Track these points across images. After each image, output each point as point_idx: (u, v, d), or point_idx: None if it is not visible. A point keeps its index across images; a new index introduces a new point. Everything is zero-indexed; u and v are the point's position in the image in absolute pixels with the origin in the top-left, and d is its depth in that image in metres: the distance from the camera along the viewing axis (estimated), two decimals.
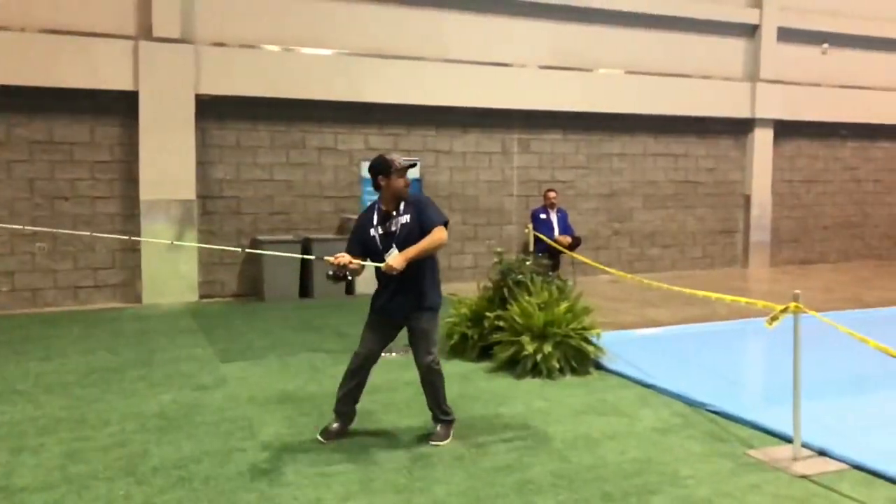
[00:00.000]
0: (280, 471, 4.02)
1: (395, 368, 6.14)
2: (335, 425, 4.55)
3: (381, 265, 4.27)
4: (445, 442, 4.47)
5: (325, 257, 4.37)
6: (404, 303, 4.44)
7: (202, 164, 9.49)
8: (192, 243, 9.02)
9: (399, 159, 4.39)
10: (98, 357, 6.46)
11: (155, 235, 8.79)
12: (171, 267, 9.17)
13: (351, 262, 4.27)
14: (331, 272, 4.33)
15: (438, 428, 4.56)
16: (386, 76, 10.08)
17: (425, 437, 4.54)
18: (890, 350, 4.04)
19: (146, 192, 9.06)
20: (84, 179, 9.04)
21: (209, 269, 9.60)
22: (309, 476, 3.97)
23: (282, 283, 9.33)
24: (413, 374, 5.88)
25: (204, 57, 9.24)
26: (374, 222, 4.43)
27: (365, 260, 4.39)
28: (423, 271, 4.43)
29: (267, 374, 5.97)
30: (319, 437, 4.49)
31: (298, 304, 9.12)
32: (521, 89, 10.91)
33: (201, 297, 9.42)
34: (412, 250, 4.26)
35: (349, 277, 4.37)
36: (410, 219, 4.36)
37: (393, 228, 4.36)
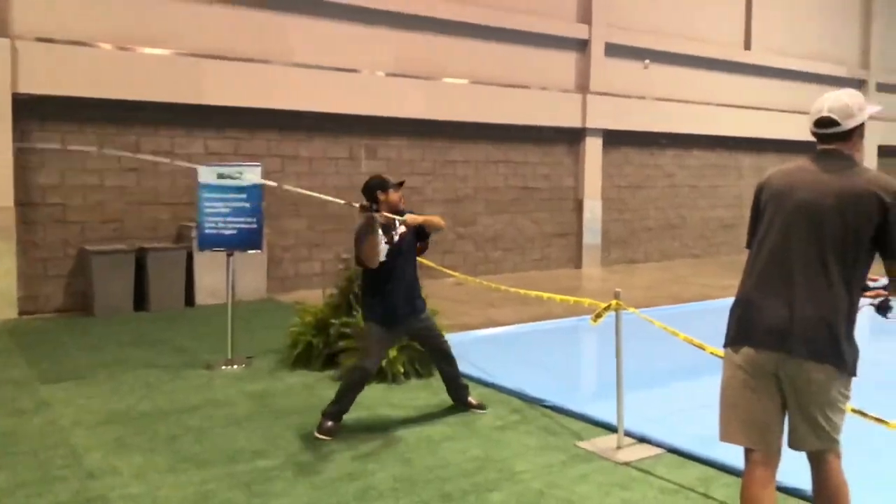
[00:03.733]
0: (106, 497, 3.80)
1: (237, 381, 5.99)
2: (331, 423, 4.76)
3: (405, 218, 4.78)
4: None
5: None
6: (410, 304, 4.92)
7: (21, 169, 8.73)
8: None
9: (390, 178, 4.99)
10: None
11: None
12: None
13: (381, 214, 4.70)
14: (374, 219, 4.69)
15: (474, 399, 5.29)
16: (227, 78, 9.77)
17: (260, 452, 4.45)
18: (695, 341, 4.48)
19: None
20: None
21: (31, 282, 8.85)
22: (139, 500, 3.78)
23: (114, 295, 8.78)
24: (254, 387, 5.80)
25: (24, 53, 8.50)
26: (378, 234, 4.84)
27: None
28: (416, 271, 4.99)
29: (95, 394, 5.60)
30: (322, 437, 4.65)
31: (133, 318, 8.61)
32: (368, 95, 10.96)
33: (21, 313, 8.66)
34: (423, 216, 4.89)
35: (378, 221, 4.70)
36: (407, 228, 4.90)
37: (396, 239, 4.86)
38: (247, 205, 6.57)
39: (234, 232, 6.57)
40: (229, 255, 6.66)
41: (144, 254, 8.98)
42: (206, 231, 6.60)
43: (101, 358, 6.70)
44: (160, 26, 9.46)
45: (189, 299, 9.31)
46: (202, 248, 6.80)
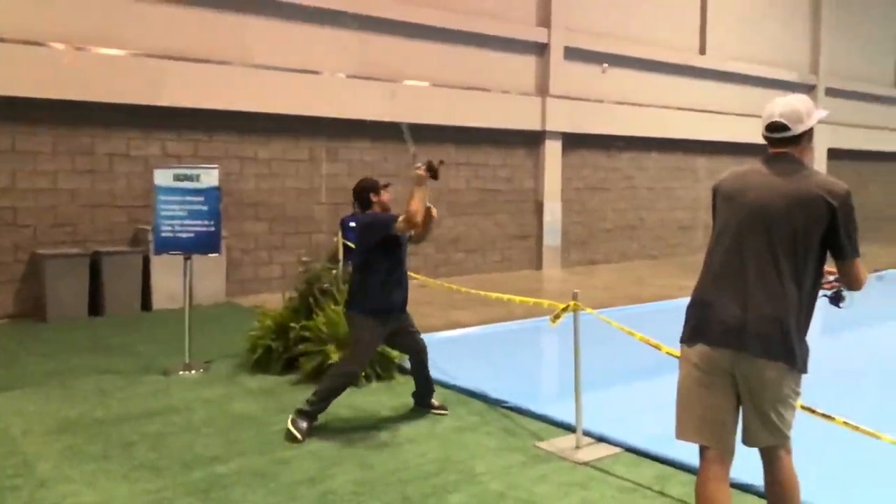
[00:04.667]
0: None
1: (194, 386, 5.89)
2: (307, 424, 4.72)
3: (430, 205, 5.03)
4: None
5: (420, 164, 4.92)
6: (404, 298, 5.03)
7: None
8: None
9: (380, 180, 5.13)
10: None
11: None
12: None
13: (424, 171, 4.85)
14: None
15: (436, 401, 5.31)
16: (186, 79, 9.61)
17: (218, 458, 4.39)
18: (651, 341, 4.55)
19: None
20: None
21: None
22: None
23: (68, 300, 8.56)
24: (212, 392, 5.72)
25: None
26: None
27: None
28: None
29: (46, 402, 5.45)
30: (296, 435, 4.62)
31: (87, 323, 8.41)
32: (329, 97, 10.89)
33: None
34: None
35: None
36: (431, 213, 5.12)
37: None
38: (204, 207, 6.48)
39: (192, 235, 6.47)
40: (187, 259, 6.55)
41: (99, 257, 8.79)
42: (163, 234, 6.48)
43: (54, 364, 6.53)
44: (116, 26, 9.27)
45: (146, 304, 9.14)
46: (158, 251, 6.67)
